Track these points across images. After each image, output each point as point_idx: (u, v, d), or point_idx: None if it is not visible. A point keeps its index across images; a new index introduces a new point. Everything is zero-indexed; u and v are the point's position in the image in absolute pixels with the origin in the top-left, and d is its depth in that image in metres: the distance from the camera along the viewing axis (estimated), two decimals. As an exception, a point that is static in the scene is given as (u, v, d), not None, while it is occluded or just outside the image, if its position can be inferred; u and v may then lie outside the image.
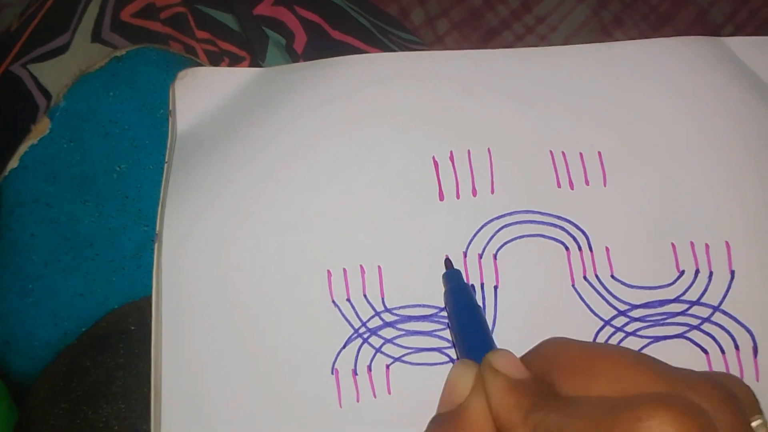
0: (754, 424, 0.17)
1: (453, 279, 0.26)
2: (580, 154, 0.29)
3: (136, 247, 0.31)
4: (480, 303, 0.27)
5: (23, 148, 0.32)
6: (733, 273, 0.27)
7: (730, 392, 0.17)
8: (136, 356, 0.29)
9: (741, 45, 0.31)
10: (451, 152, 0.29)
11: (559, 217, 0.28)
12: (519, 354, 0.20)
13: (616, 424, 0.16)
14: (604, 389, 0.18)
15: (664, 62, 0.30)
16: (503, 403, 0.18)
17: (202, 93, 0.31)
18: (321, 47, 0.38)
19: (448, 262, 0.27)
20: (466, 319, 0.24)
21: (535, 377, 0.19)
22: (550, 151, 0.29)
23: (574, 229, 0.28)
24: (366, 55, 0.31)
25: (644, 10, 0.89)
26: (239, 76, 0.31)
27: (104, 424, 0.28)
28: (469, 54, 0.31)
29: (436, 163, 0.29)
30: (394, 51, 0.42)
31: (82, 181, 0.32)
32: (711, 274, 0.27)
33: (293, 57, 0.38)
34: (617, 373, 0.18)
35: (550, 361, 0.19)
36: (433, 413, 0.20)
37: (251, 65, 0.37)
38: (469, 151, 0.29)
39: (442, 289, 0.27)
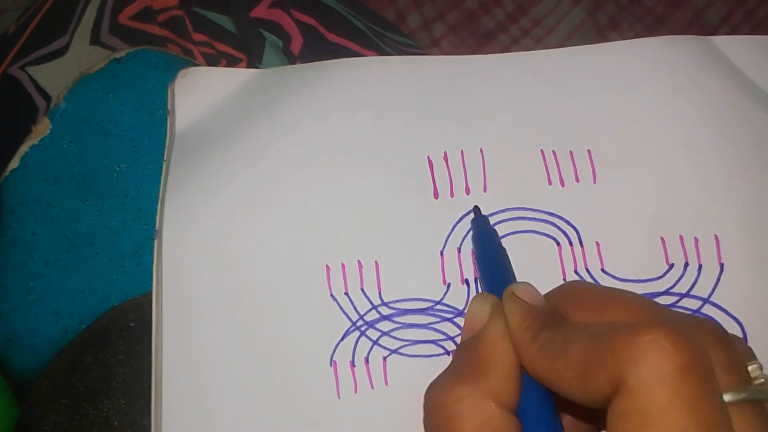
0: (750, 367, 0.18)
1: (480, 224, 0.27)
2: (570, 152, 0.29)
3: (136, 245, 0.31)
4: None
5: (24, 149, 0.33)
6: (722, 266, 0.27)
7: (728, 335, 0.19)
8: (136, 352, 0.29)
9: (728, 43, 0.32)
10: (445, 152, 0.29)
11: (550, 214, 0.28)
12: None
13: (615, 338, 0.17)
14: (612, 319, 0.19)
15: (652, 61, 0.31)
16: (519, 324, 0.20)
17: (201, 92, 0.31)
18: (317, 49, 0.39)
19: (477, 210, 0.28)
20: (489, 259, 0.26)
21: (551, 307, 0.21)
22: (541, 150, 0.29)
23: (565, 225, 0.28)
24: (364, 58, 0.32)
25: (640, 12, 0.89)
26: (238, 76, 0.32)
27: (105, 420, 0.28)
28: (461, 58, 0.32)
29: (431, 163, 0.29)
30: (390, 54, 0.42)
31: (82, 181, 0.32)
32: (700, 267, 0.28)
33: (290, 59, 0.38)
34: (626, 309, 0.20)
35: (566, 297, 0.22)
36: None
37: (248, 67, 0.37)
38: (462, 151, 0.29)
39: (437, 284, 0.27)
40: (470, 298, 0.27)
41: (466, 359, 0.21)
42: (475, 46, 0.86)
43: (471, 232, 0.28)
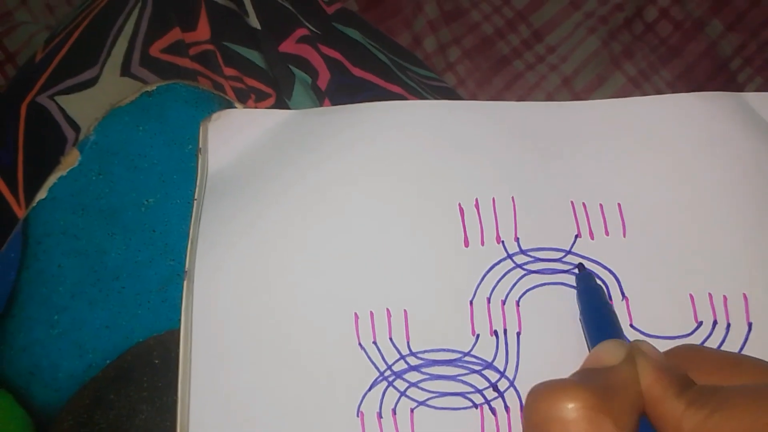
0: None
1: (585, 280, 0.28)
2: (600, 204, 0.29)
3: (162, 280, 0.31)
4: (503, 349, 0.27)
5: (52, 180, 0.33)
6: (750, 325, 0.27)
7: None
8: (160, 390, 0.29)
9: (759, 100, 0.32)
10: (477, 200, 0.30)
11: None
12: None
13: None
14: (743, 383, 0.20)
15: (684, 116, 0.31)
16: (657, 378, 0.21)
17: (233, 134, 0.32)
18: (343, 84, 0.39)
19: (581, 267, 0.28)
20: (600, 315, 0.26)
21: (679, 367, 0.21)
22: (571, 202, 0.30)
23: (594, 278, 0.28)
24: (394, 102, 0.32)
25: (654, 42, 0.90)
26: (270, 117, 0.32)
27: (126, 457, 0.28)
28: (494, 105, 0.32)
29: (461, 210, 0.29)
30: (412, 87, 0.43)
31: (110, 214, 0.32)
32: (729, 325, 0.27)
33: (318, 94, 0.38)
34: (757, 374, 0.21)
35: (685, 359, 0.22)
36: None
37: (277, 102, 0.37)
38: (493, 199, 0.30)
39: (466, 334, 0.27)
40: (498, 350, 0.27)
41: (593, 379, 0.21)
42: (489, 71, 0.86)
43: (581, 289, 0.28)
